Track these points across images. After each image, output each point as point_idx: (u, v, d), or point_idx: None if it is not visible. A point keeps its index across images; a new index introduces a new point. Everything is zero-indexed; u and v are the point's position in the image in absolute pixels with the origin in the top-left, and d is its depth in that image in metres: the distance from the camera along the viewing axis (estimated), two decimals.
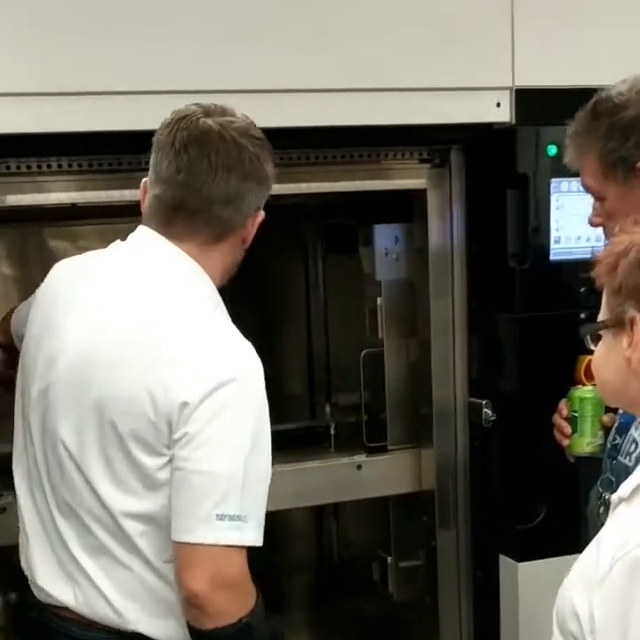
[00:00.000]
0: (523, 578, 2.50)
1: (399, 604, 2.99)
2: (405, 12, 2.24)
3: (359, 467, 2.74)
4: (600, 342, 1.45)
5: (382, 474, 2.77)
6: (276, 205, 2.76)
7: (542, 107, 2.33)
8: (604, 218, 1.87)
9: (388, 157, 2.52)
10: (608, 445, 1.93)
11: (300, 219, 3.27)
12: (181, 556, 1.59)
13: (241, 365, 1.64)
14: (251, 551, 1.64)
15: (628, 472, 1.74)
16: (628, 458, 1.79)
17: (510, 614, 2.55)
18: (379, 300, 2.79)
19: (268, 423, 1.67)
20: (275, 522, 3.17)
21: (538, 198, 2.39)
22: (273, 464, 2.57)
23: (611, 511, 1.40)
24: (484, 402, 2.54)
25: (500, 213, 2.42)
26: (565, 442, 2.07)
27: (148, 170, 1.73)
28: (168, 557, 1.64)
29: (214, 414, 1.58)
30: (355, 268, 2.96)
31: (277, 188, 2.40)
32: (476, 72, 2.29)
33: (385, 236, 2.77)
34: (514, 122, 2.34)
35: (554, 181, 2.37)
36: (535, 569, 2.47)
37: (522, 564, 2.50)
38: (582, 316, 2.25)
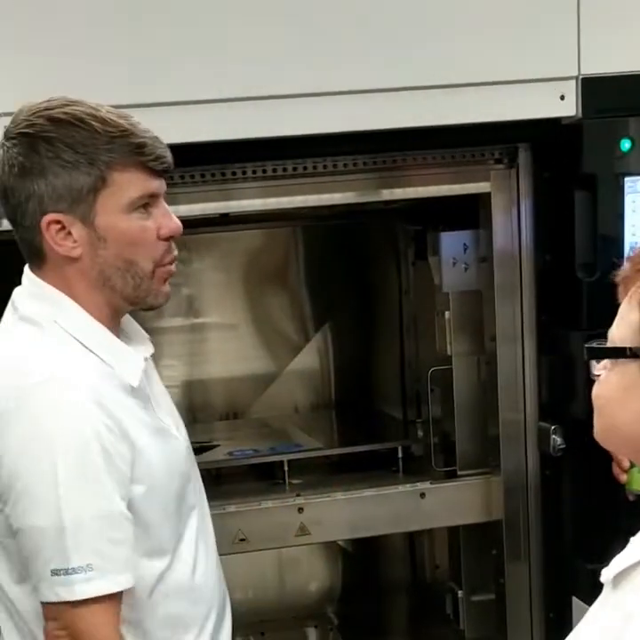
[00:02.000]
0: None
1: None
2: (462, 3, 2.08)
3: (422, 495, 2.54)
4: (610, 370, 1.19)
5: (447, 502, 2.57)
6: (366, 211, 2.69)
7: (613, 97, 2.11)
8: None
9: (452, 160, 2.33)
10: None
11: (391, 225, 3.14)
12: (43, 612, 1.49)
13: (20, 388, 1.44)
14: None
15: None
16: None
17: None
18: (447, 314, 2.61)
19: (100, 450, 1.44)
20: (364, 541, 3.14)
21: (609, 200, 2.16)
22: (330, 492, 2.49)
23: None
24: (552, 427, 2.31)
25: (569, 218, 2.20)
26: (623, 477, 1.85)
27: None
28: None
29: (2, 455, 1.43)
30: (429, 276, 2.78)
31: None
32: (535, 61, 2.09)
33: (452, 244, 2.57)
34: (580, 115, 2.12)
35: (628, 180, 2.14)
36: None
37: None
38: None
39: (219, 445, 2.83)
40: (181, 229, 1.56)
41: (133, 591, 1.49)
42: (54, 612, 1.45)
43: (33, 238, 1.51)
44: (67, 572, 1.40)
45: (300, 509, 2.44)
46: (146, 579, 1.52)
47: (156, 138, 1.51)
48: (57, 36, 1.90)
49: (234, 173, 2.19)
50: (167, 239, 1.55)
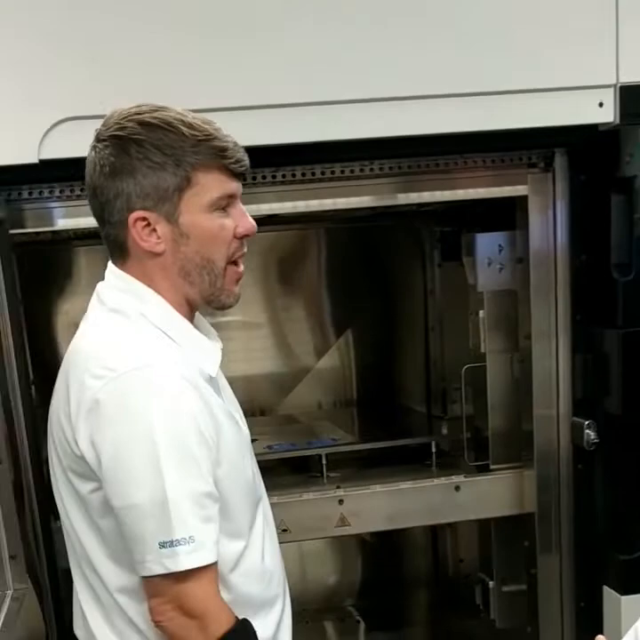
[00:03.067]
0: (626, 611, 2.35)
1: (501, 630, 2.86)
2: (504, 13, 2.14)
3: (457, 488, 2.62)
4: None
5: (481, 495, 2.65)
6: (391, 214, 2.76)
7: None
8: None
9: (492, 163, 2.40)
10: None
11: (417, 227, 3.24)
12: (144, 589, 1.55)
13: (118, 375, 1.51)
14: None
15: None
16: None
17: None
18: (481, 313, 2.68)
19: (196, 431, 1.53)
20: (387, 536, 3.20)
21: None
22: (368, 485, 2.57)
23: None
24: (586, 422, 2.38)
25: (605, 220, 2.27)
26: None
27: None
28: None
29: (103, 439, 1.51)
30: (464, 276, 2.85)
31: (388, 199, 2.42)
32: (576, 70, 2.16)
33: (487, 245, 2.65)
34: (618, 122, 2.19)
35: None
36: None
37: (625, 597, 2.36)
38: None
39: (256, 439, 2.91)
40: (256, 228, 1.65)
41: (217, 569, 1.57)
42: (159, 586, 1.52)
43: (118, 234, 1.59)
44: (172, 543, 1.48)
45: (341, 501, 2.52)
46: (226, 558, 1.60)
47: (236, 142, 1.60)
48: (137, 48, 2.00)
49: (264, 177, 2.25)
50: (242, 237, 1.63)
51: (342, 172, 2.31)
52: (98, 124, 1.61)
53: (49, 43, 1.96)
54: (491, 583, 2.85)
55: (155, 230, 1.57)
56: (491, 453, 2.69)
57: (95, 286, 1.68)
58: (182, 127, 1.54)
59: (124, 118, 1.56)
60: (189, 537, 1.49)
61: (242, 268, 1.66)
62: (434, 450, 2.82)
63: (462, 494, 2.62)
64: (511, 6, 2.14)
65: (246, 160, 1.61)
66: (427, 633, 3.47)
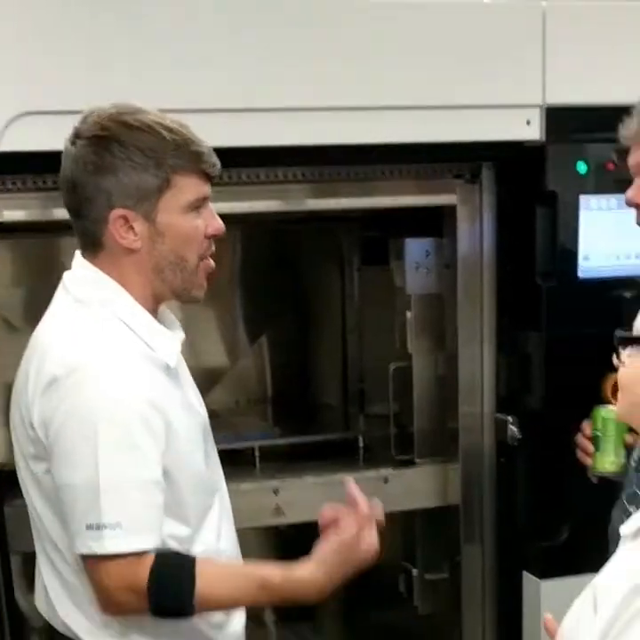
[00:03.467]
0: (545, 595, 2.50)
1: (424, 617, 3.00)
2: (438, 33, 2.27)
3: (386, 480, 2.75)
4: (635, 354, 1.39)
5: (409, 487, 2.79)
6: (313, 218, 2.87)
7: (572, 124, 2.35)
8: None
9: (420, 174, 2.53)
10: (634, 461, 1.94)
11: (337, 231, 3.34)
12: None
13: (73, 360, 1.60)
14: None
15: None
16: None
17: (532, 630, 2.55)
18: (408, 314, 2.81)
19: (143, 422, 1.61)
20: (303, 531, 3.29)
21: (567, 215, 2.39)
22: (301, 476, 2.68)
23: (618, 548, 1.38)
24: (510, 418, 2.54)
25: (529, 230, 2.43)
26: (588, 461, 2.06)
27: None
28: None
29: (51, 417, 1.59)
30: (388, 279, 2.98)
31: (315, 204, 2.50)
32: (506, 90, 2.30)
33: (416, 250, 2.79)
34: (544, 139, 2.35)
35: (583, 198, 2.38)
36: (557, 586, 2.47)
37: (544, 582, 2.51)
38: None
39: None
40: (224, 229, 1.74)
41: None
42: (88, 565, 1.61)
43: (96, 229, 1.66)
44: (98, 527, 1.56)
45: (276, 491, 2.63)
46: (177, 540, 1.69)
47: (210, 148, 1.69)
48: (100, 46, 2.06)
49: None
50: (211, 237, 1.72)
51: (267, 176, 2.40)
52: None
53: (9, 36, 2.01)
54: (414, 571, 2.98)
55: (132, 228, 1.64)
56: (416, 448, 2.83)
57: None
58: (163, 131, 1.62)
59: (105, 119, 1.63)
60: (116, 523, 1.56)
61: (212, 262, 1.75)
62: (361, 445, 2.96)
63: (390, 486, 2.76)
64: (446, 27, 2.27)
65: (219, 164, 1.70)
66: (347, 623, 3.58)
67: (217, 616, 1.76)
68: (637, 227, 1.90)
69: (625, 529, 1.35)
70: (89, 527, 1.57)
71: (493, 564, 2.72)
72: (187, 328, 1.85)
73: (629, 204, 1.88)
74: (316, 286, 3.48)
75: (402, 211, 2.64)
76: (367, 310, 3.38)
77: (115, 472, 1.57)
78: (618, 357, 1.43)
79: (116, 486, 1.57)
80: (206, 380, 3.23)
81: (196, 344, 3.29)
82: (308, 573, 1.67)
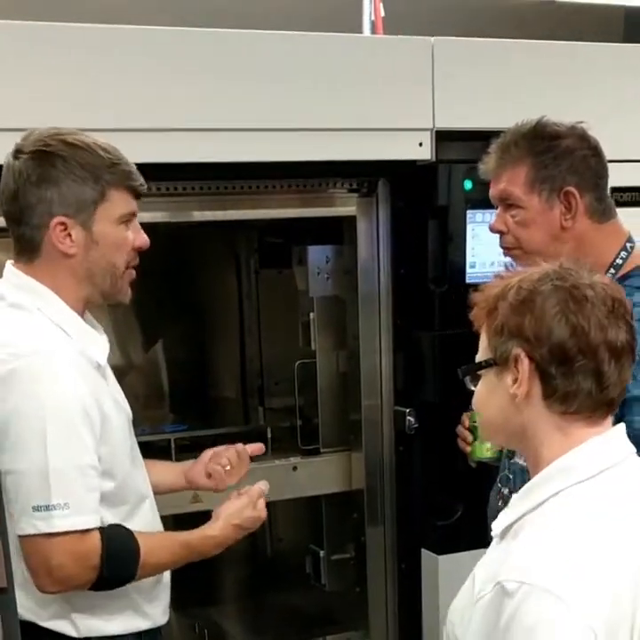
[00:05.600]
0: (442, 569, 2.73)
1: (331, 594, 3.22)
2: (343, 65, 2.50)
3: (295, 468, 2.98)
4: (480, 382, 1.52)
5: (316, 474, 3.01)
6: (213, 223, 3.04)
7: (459, 147, 2.58)
8: (508, 226, 2.08)
9: (322, 187, 2.75)
10: (505, 449, 2.15)
11: (235, 236, 3.51)
12: (22, 549, 1.78)
13: (16, 358, 1.73)
14: None
15: (522, 471, 1.99)
16: (521, 458, 2.01)
17: (431, 601, 2.79)
18: (311, 315, 3.03)
19: (82, 412, 1.76)
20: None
21: (455, 227, 2.64)
22: None
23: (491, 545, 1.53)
24: (407, 410, 2.77)
25: (422, 240, 2.67)
26: (467, 449, 2.29)
27: None
28: None
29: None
30: (287, 282, 3.20)
31: (224, 215, 2.69)
32: (401, 115, 2.53)
33: (317, 257, 3.01)
34: (434, 159, 2.58)
35: (469, 213, 2.62)
36: (453, 561, 2.70)
37: (441, 557, 2.74)
38: None
39: None
40: (149, 243, 1.93)
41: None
42: (32, 545, 1.75)
43: (34, 236, 1.82)
44: (47, 508, 1.72)
45: None
46: (116, 519, 1.87)
47: (136, 168, 1.89)
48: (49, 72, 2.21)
49: None
50: (137, 249, 1.92)
51: (175, 188, 2.57)
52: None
53: None
54: (321, 553, 3.20)
55: (70, 235, 1.82)
56: (320, 438, 3.06)
57: None
58: (99, 150, 1.82)
59: (48, 137, 1.81)
60: (65, 503, 1.73)
61: (134, 272, 1.94)
62: (269, 436, 3.17)
63: (299, 474, 2.98)
64: (349, 60, 2.50)
65: (145, 184, 1.91)
66: (255, 605, 3.76)
67: (149, 588, 1.94)
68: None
69: (494, 527, 1.49)
70: (36, 508, 1.72)
71: (395, 543, 2.95)
72: None
73: (492, 231, 2.13)
74: (215, 289, 3.63)
75: (304, 220, 2.86)
76: (266, 311, 3.56)
77: (62, 458, 1.74)
78: (467, 387, 1.58)
79: (63, 471, 1.74)
80: None
81: None
82: (217, 531, 1.97)
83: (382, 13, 3.41)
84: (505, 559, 1.38)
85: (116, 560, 1.79)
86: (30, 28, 2.22)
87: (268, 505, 3.37)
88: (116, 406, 1.93)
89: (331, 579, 3.20)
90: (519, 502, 1.47)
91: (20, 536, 1.76)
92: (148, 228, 1.97)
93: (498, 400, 1.47)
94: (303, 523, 3.47)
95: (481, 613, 1.38)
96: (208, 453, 2.21)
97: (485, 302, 1.50)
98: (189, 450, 3.01)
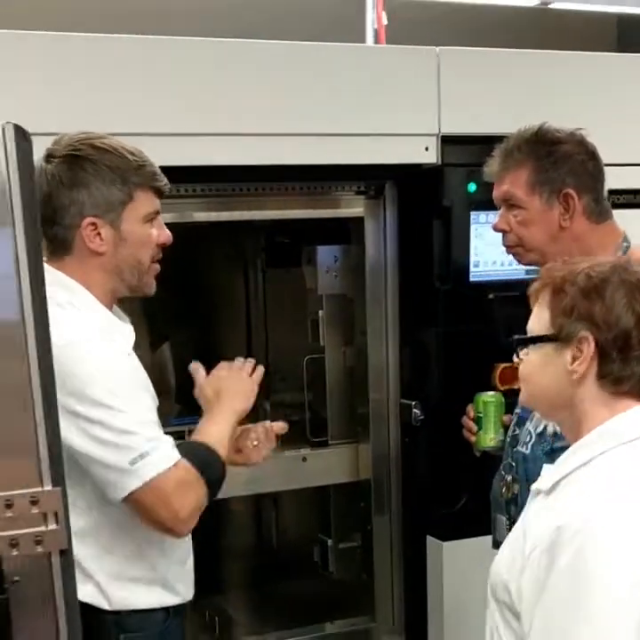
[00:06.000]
0: (446, 555, 2.84)
1: (339, 581, 3.35)
2: (356, 73, 2.63)
3: (304, 459, 3.10)
4: (533, 353, 1.61)
5: (325, 465, 3.14)
6: (223, 224, 3.15)
7: (464, 151, 2.70)
8: (510, 225, 2.19)
9: (332, 190, 2.89)
10: (508, 437, 2.27)
11: (243, 236, 3.62)
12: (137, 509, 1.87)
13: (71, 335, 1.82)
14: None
15: (525, 458, 2.11)
16: (524, 446, 2.13)
17: (436, 586, 2.90)
18: (320, 313, 3.16)
19: (131, 376, 1.91)
20: (225, 508, 3.57)
21: (459, 228, 2.75)
22: None
23: (529, 500, 1.63)
24: (413, 403, 2.89)
25: (427, 240, 2.78)
26: (472, 438, 2.40)
27: None
28: None
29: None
30: (294, 281, 3.33)
31: (240, 215, 2.82)
32: (408, 121, 2.66)
33: (326, 256, 3.14)
34: (440, 163, 2.71)
35: (473, 214, 2.74)
36: (457, 547, 2.82)
37: (446, 543, 2.84)
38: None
39: None
40: (172, 239, 2.05)
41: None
42: (148, 496, 1.80)
43: (67, 235, 1.94)
44: (142, 456, 1.80)
45: None
46: None
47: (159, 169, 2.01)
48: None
49: None
50: (162, 245, 2.04)
51: (202, 190, 2.70)
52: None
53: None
54: (329, 542, 3.33)
55: (100, 234, 1.94)
56: (329, 431, 3.19)
57: None
58: (126, 153, 1.94)
59: (77, 142, 1.93)
60: (152, 447, 1.82)
61: (158, 266, 2.06)
62: None
63: (309, 464, 3.10)
64: (362, 69, 2.63)
65: (168, 183, 2.03)
66: (263, 593, 3.86)
67: (178, 568, 2.05)
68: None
69: (540, 484, 1.59)
70: (133, 462, 1.80)
71: (400, 531, 3.07)
72: None
73: (496, 230, 2.25)
74: (224, 287, 3.75)
75: (314, 220, 2.98)
76: (276, 308, 3.68)
77: (135, 414, 1.84)
78: (517, 356, 1.66)
79: (140, 423, 1.84)
80: None
81: None
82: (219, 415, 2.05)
83: (385, 21, 3.56)
84: (562, 508, 1.48)
85: (207, 465, 1.91)
86: (60, 38, 2.36)
87: (278, 495, 3.56)
88: (150, 392, 2.04)
89: (338, 566, 3.34)
90: (566, 461, 1.57)
91: (130, 496, 1.81)
92: None
93: (552, 373, 1.58)
94: (312, 513, 3.58)
95: (537, 561, 1.47)
96: (237, 430, 2.30)
97: (551, 280, 1.59)
98: None
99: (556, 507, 1.51)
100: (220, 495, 2.93)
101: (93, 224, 1.93)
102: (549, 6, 6.34)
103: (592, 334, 1.53)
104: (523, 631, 1.51)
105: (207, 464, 1.92)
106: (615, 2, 6.69)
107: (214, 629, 3.29)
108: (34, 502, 1.06)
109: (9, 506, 1.02)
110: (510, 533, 1.64)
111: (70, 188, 1.92)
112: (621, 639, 1.39)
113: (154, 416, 1.93)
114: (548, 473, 1.60)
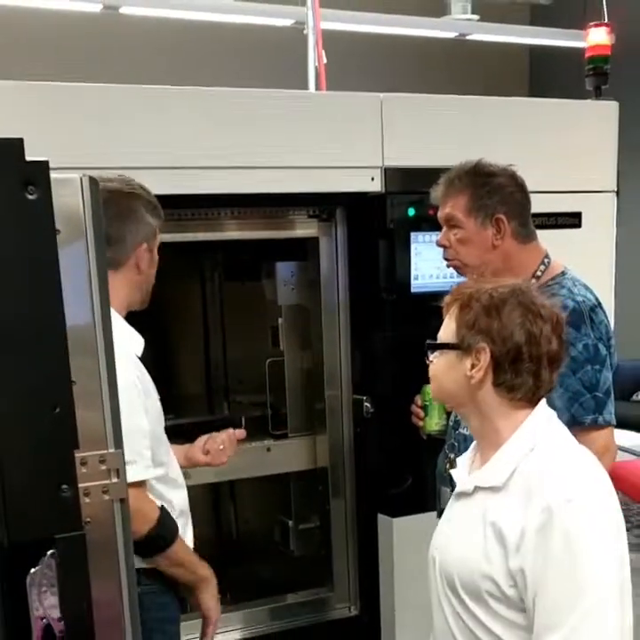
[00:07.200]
0: (396, 530, 3.14)
1: (299, 558, 3.70)
2: (307, 115, 3.00)
3: (268, 449, 3.48)
4: (438, 355, 1.79)
5: (286, 455, 3.51)
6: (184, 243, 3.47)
7: (404, 180, 3.08)
8: (450, 242, 2.53)
9: (290, 214, 3.26)
10: (451, 421, 2.60)
11: (201, 253, 3.96)
12: None
13: None
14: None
15: (465, 439, 2.41)
16: (465, 429, 2.42)
17: (387, 559, 3.19)
18: (280, 320, 3.54)
19: (136, 389, 2.18)
20: (193, 494, 3.83)
21: (401, 247, 3.11)
22: None
23: (471, 497, 1.80)
24: (364, 398, 3.25)
25: (374, 257, 3.15)
26: (420, 423, 2.78)
27: None
28: None
29: None
30: (257, 293, 3.70)
31: (203, 236, 3.18)
32: (356, 156, 3.04)
33: (284, 271, 3.53)
34: (383, 191, 3.08)
35: (413, 234, 3.11)
36: (405, 523, 3.14)
37: (395, 520, 3.15)
38: None
39: None
40: None
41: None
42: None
43: (122, 255, 2.29)
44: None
45: None
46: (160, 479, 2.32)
47: None
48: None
49: None
50: None
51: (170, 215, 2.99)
52: None
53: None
54: (290, 523, 3.68)
55: (147, 256, 2.35)
56: (288, 425, 3.56)
57: None
58: (150, 193, 2.35)
59: (125, 184, 2.30)
60: (133, 460, 2.02)
61: None
62: (243, 424, 3.64)
63: (272, 454, 3.48)
64: (311, 112, 3.00)
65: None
66: (227, 572, 4.15)
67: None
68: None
69: (490, 482, 1.74)
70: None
71: (354, 511, 3.40)
72: None
73: (438, 245, 2.60)
74: (182, 301, 4.05)
75: (273, 240, 3.36)
76: (236, 317, 4.03)
77: (134, 425, 2.09)
78: (428, 358, 1.85)
79: (133, 435, 2.02)
80: None
81: None
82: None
83: (325, 60, 3.95)
84: (540, 492, 1.63)
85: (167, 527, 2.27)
86: (86, 89, 2.73)
87: (243, 482, 3.87)
88: (155, 393, 2.35)
89: (298, 545, 3.68)
90: (510, 455, 1.74)
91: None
92: None
93: (454, 375, 1.76)
94: (274, 497, 3.89)
95: (534, 542, 1.60)
96: (204, 437, 2.69)
97: (460, 296, 1.76)
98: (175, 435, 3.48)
99: (531, 492, 1.65)
100: (194, 482, 3.26)
101: (148, 248, 2.33)
102: (467, 38, 6.84)
103: (489, 346, 1.70)
104: (516, 615, 1.65)
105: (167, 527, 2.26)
106: (527, 34, 7.28)
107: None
108: (102, 461, 1.31)
109: (84, 464, 1.28)
110: (460, 532, 1.79)
111: (124, 219, 2.28)
112: (611, 576, 1.61)
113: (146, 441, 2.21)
114: (491, 472, 1.75)
